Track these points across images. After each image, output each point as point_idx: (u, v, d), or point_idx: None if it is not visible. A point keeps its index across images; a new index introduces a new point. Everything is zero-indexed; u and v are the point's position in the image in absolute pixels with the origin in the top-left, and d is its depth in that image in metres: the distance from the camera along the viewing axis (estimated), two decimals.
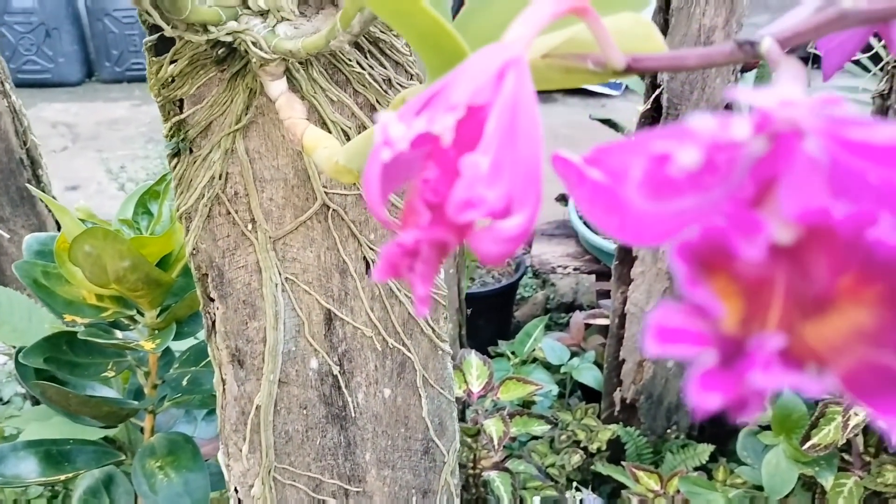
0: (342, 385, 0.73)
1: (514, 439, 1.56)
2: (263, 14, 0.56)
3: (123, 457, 0.96)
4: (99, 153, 3.87)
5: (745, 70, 1.75)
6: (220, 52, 0.60)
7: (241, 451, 0.74)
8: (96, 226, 0.78)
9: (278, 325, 0.70)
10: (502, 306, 2.12)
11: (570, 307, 2.29)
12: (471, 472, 1.45)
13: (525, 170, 0.22)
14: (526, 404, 1.66)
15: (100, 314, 0.88)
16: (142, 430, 0.97)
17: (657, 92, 1.43)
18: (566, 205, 2.11)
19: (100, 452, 0.94)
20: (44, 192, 1.28)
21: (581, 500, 1.40)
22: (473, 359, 1.51)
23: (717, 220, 0.16)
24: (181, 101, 0.63)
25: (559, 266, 1.97)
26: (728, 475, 1.41)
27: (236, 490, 0.76)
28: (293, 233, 0.68)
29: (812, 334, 0.17)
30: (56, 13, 4.82)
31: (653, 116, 1.49)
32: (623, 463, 1.51)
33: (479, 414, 1.42)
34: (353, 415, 0.75)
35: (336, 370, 0.72)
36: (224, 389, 0.72)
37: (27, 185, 1.32)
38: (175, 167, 0.65)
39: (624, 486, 1.50)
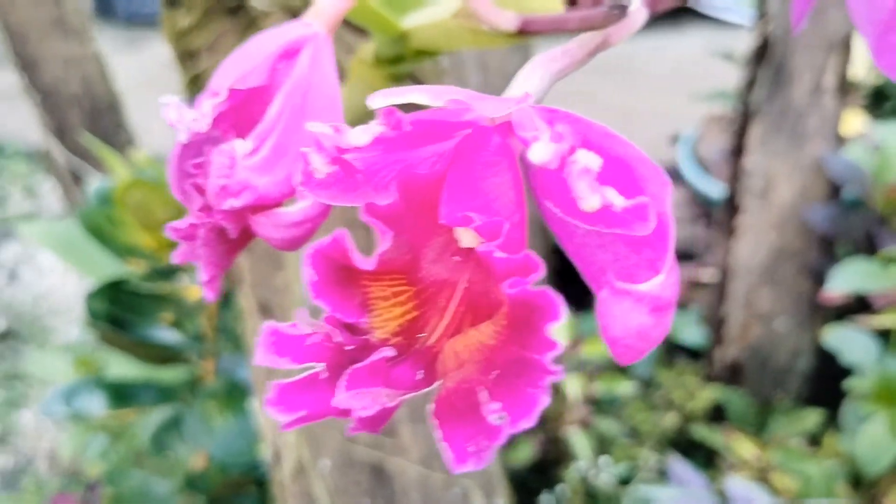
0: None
1: (595, 402, 1.56)
2: None
3: (186, 398, 1.04)
4: None
5: None
6: (230, 3, 0.62)
7: None
8: (142, 176, 0.83)
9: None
10: None
11: (684, 258, 2.23)
12: (550, 427, 1.46)
13: None
14: (617, 363, 1.65)
15: (157, 262, 0.94)
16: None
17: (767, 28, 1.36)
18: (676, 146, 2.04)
19: (164, 392, 1.02)
20: (127, 137, 1.37)
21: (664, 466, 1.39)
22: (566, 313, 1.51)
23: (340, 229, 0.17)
24: (198, 53, 0.66)
25: None
26: (838, 444, 1.36)
27: (272, 439, 0.81)
28: None
29: (450, 349, 0.17)
30: None
31: (761, 50, 1.41)
32: (723, 428, 1.48)
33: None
34: None
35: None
36: (254, 339, 0.76)
37: (115, 127, 1.41)
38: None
39: (720, 453, 1.47)
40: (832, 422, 1.51)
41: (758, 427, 1.54)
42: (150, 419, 1.07)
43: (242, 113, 0.22)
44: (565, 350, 1.49)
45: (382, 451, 0.82)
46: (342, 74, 0.65)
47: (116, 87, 1.37)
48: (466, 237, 0.18)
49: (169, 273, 0.98)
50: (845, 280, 1.20)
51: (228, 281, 0.95)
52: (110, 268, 1.05)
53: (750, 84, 1.47)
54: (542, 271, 0.18)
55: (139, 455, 1.23)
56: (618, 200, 0.17)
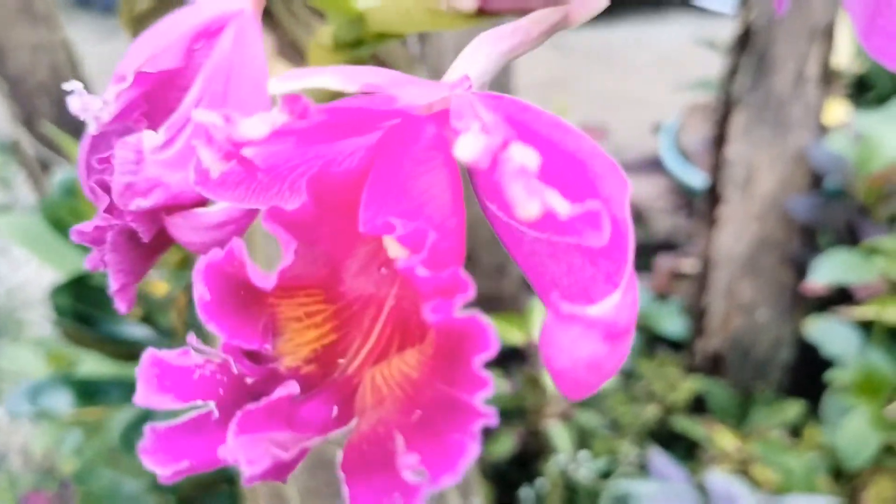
0: None
1: None
2: None
3: None
4: None
5: None
6: None
7: None
8: None
9: (270, 266, 0.71)
10: None
11: (665, 248, 2.22)
12: (531, 421, 1.45)
13: None
14: None
15: None
16: None
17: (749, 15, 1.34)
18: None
19: (134, 389, 1.00)
20: None
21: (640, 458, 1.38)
22: (539, 303, 1.50)
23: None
24: None
25: (648, 204, 1.92)
26: (819, 436, 1.35)
27: None
28: None
29: (371, 381, 0.15)
30: None
31: (744, 39, 1.40)
32: (704, 419, 1.47)
33: (541, 362, 1.42)
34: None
35: None
36: None
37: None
38: None
39: (701, 444, 1.46)
40: (814, 413, 1.51)
41: (739, 418, 1.54)
42: (121, 417, 1.05)
43: (156, 100, 0.20)
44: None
45: None
46: (301, 59, 0.63)
47: (86, 76, 1.33)
48: (394, 247, 0.16)
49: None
50: (827, 271, 1.19)
51: (185, 274, 0.93)
52: (77, 262, 1.02)
53: (732, 73, 1.46)
54: (471, 292, 0.15)
55: (112, 453, 1.21)
56: (562, 207, 0.15)
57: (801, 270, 1.45)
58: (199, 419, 0.15)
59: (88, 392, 0.97)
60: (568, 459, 1.38)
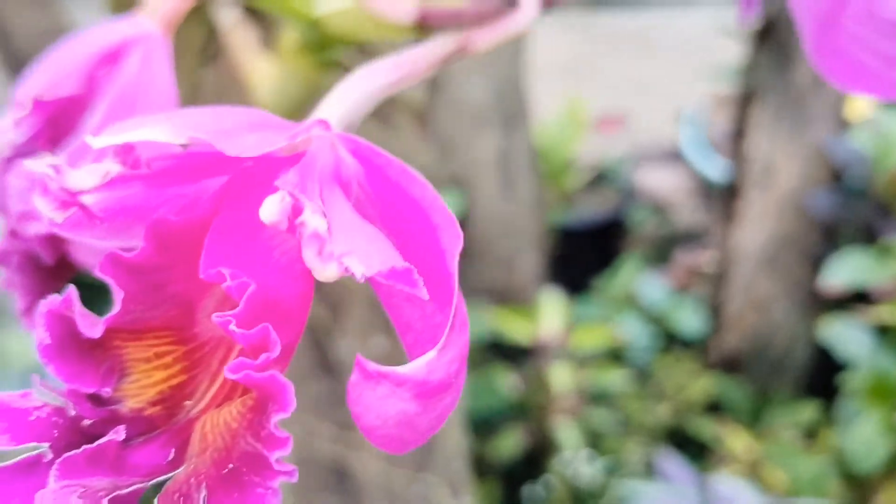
0: (333, 332, 0.75)
1: (586, 391, 1.54)
2: None
3: None
4: None
5: None
6: None
7: None
8: None
9: None
10: (605, 241, 2.07)
11: (685, 241, 2.20)
12: (538, 419, 1.45)
13: None
14: (614, 353, 1.63)
15: None
16: None
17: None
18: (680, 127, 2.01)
19: None
20: None
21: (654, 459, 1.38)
22: (551, 298, 1.50)
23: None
24: None
25: (668, 197, 1.90)
26: (833, 438, 1.34)
27: None
28: None
29: (202, 427, 0.16)
30: None
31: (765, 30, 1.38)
32: (719, 419, 1.47)
33: (547, 358, 1.42)
34: (342, 362, 0.76)
35: (326, 317, 0.74)
36: None
37: None
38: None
39: (714, 445, 1.46)
40: (829, 414, 1.50)
41: (754, 418, 1.53)
42: None
43: (61, 125, 0.21)
44: (556, 337, 1.47)
45: (344, 446, 0.81)
46: (258, 61, 0.63)
47: None
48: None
49: None
50: (842, 271, 1.18)
51: None
52: None
53: (752, 64, 1.44)
54: (276, 352, 0.16)
55: None
56: (358, 269, 0.15)
57: (820, 268, 1.44)
58: (31, 461, 0.16)
59: None
60: (575, 457, 1.38)
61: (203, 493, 0.16)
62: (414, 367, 0.16)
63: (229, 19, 0.59)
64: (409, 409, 0.16)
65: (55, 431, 0.16)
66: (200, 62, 0.64)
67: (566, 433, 1.41)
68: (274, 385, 0.15)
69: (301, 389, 0.76)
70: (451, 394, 0.17)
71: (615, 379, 1.43)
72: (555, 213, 1.89)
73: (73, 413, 0.16)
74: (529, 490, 1.43)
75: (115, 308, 0.17)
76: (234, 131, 0.17)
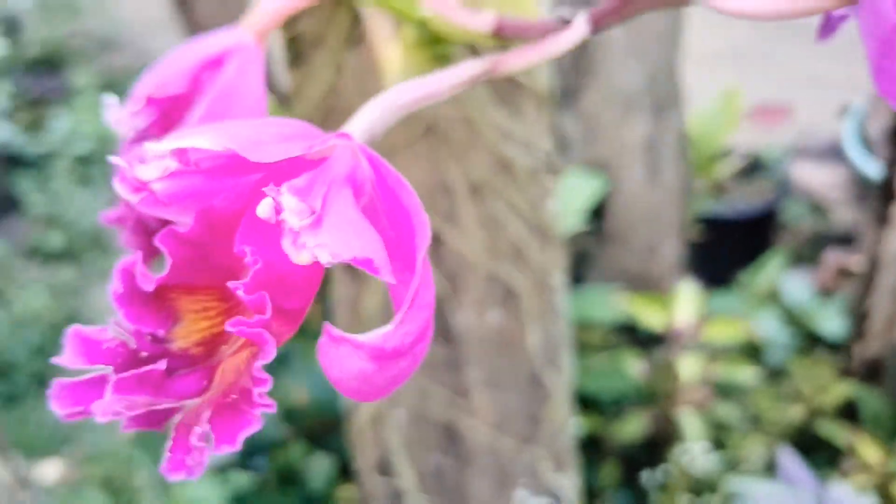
0: (448, 303, 0.79)
1: (716, 385, 1.52)
2: None
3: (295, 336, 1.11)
4: None
5: None
6: None
7: None
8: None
9: None
10: (756, 234, 2.00)
11: (840, 242, 2.10)
12: (663, 407, 1.45)
13: None
14: (749, 348, 1.59)
15: None
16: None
17: None
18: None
19: None
20: None
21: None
22: (687, 289, 1.48)
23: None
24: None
25: (824, 193, 1.82)
26: None
27: None
28: (401, 150, 0.73)
29: (225, 366, 0.19)
30: None
31: None
32: (853, 427, 1.41)
33: (678, 348, 1.41)
34: (459, 333, 0.80)
35: (442, 287, 0.78)
36: (338, 290, 0.81)
37: None
38: (293, 76, 0.73)
39: (845, 454, 1.40)
40: None
41: (891, 431, 1.45)
42: None
43: (171, 117, 0.25)
44: (689, 327, 1.46)
45: (456, 411, 0.85)
46: (377, 58, 0.67)
47: None
48: None
49: None
50: None
51: None
52: None
53: None
54: (267, 314, 0.19)
55: None
56: (325, 258, 0.18)
57: None
58: (98, 378, 0.20)
59: None
60: (696, 449, 1.37)
61: (208, 413, 0.20)
62: (371, 336, 0.19)
63: (370, 9, 0.63)
64: (366, 368, 0.19)
65: (118, 359, 0.20)
66: (345, 46, 0.69)
67: (690, 423, 1.39)
68: (261, 339, 0.19)
69: None
70: (405, 360, 0.20)
71: (747, 375, 1.40)
72: (704, 203, 1.85)
73: (133, 346, 0.20)
74: (648, 476, 1.43)
75: (165, 271, 0.21)
76: (266, 141, 0.20)
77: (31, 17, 3.05)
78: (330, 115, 0.73)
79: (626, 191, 1.62)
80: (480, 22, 0.29)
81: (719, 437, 1.44)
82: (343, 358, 0.19)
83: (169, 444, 0.20)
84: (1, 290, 2.18)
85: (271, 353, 0.20)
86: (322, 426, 1.07)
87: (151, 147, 0.19)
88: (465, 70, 0.24)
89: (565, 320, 0.83)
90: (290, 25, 0.70)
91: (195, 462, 0.20)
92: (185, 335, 0.21)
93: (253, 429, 0.20)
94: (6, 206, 2.65)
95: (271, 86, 1.68)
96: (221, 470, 1.20)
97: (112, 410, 0.19)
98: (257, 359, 0.20)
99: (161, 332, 0.21)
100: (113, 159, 0.20)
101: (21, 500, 0.76)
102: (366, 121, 0.22)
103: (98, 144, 2.68)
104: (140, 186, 0.20)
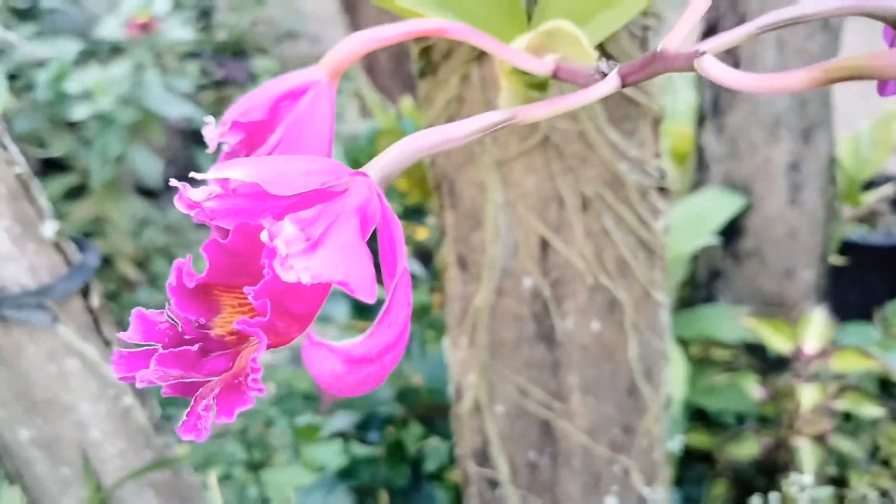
0: (552, 308, 0.81)
1: (840, 417, 1.45)
2: None
3: (415, 322, 1.16)
4: None
5: None
6: None
7: (461, 342, 0.86)
8: (398, 125, 0.94)
9: (497, 240, 0.79)
10: None
11: None
12: (780, 433, 1.40)
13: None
14: (880, 384, 1.51)
15: (401, 199, 1.06)
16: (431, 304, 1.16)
17: None
18: None
19: None
20: None
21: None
22: (816, 316, 1.42)
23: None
24: None
25: None
26: None
27: (455, 375, 0.90)
28: (516, 159, 0.75)
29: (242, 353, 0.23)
30: None
31: None
32: None
33: (801, 375, 1.35)
34: (561, 338, 0.82)
35: (547, 293, 0.80)
36: (451, 287, 0.85)
37: None
38: (422, 85, 0.77)
39: None
40: None
41: None
42: None
43: (255, 139, 0.29)
44: (816, 355, 1.40)
45: (552, 412, 0.87)
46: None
47: None
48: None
49: (418, 213, 1.09)
50: None
51: (439, 232, 1.04)
52: None
53: None
54: (266, 317, 0.22)
55: None
56: (305, 278, 0.21)
57: None
58: (148, 352, 0.24)
59: (361, 308, 1.14)
60: (809, 480, 1.32)
61: (218, 389, 0.23)
62: (343, 343, 0.22)
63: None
64: (338, 369, 0.22)
65: (166, 338, 0.24)
66: (472, 59, 0.72)
67: (807, 453, 1.34)
68: (258, 336, 0.23)
69: (519, 353, 0.84)
70: (373, 366, 0.23)
71: (874, 411, 1.33)
72: (849, 230, 1.76)
73: (180, 329, 0.24)
74: (759, 500, 1.39)
75: (204, 272, 0.25)
76: (290, 176, 0.24)
77: (222, 4, 3.27)
78: (454, 120, 0.76)
79: (766, 211, 1.57)
80: (543, 67, 0.32)
81: (837, 471, 1.38)
82: (320, 359, 0.22)
83: (187, 409, 0.24)
84: (173, 252, 2.37)
85: (262, 349, 0.23)
86: (431, 409, 1.11)
87: (200, 175, 0.23)
88: (484, 119, 0.26)
89: (667, 337, 0.83)
90: (422, 38, 0.74)
91: (203, 427, 0.23)
92: (223, 325, 0.25)
93: (247, 406, 0.24)
94: (188, 177, 2.86)
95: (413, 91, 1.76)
96: (345, 438, 1.27)
97: (149, 379, 0.23)
98: (255, 351, 0.23)
99: (203, 320, 0.25)
100: (172, 181, 0.25)
101: (157, 444, 0.85)
102: (383, 162, 0.25)
103: None
104: (192, 205, 0.24)
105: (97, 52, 2.17)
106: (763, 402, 1.43)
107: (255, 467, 1.96)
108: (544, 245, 0.78)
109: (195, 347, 0.24)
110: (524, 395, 0.87)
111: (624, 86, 0.27)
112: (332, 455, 1.50)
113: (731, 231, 1.58)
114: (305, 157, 0.25)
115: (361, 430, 1.14)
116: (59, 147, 2.05)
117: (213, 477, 0.82)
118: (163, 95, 1.90)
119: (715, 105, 1.53)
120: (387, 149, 0.26)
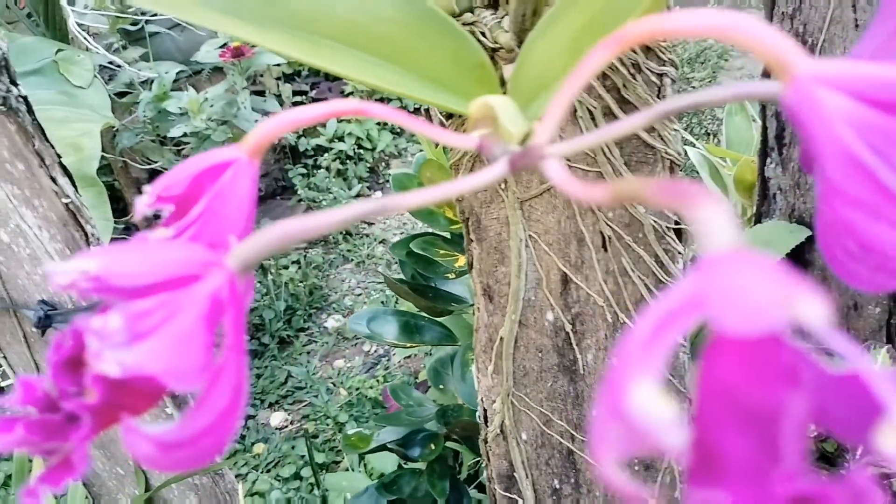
0: (574, 342, 0.80)
1: None
2: (494, 6, 0.64)
3: (457, 344, 1.16)
4: None
5: None
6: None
7: (487, 369, 0.87)
8: (433, 159, 0.95)
9: (521, 274, 0.79)
10: None
11: None
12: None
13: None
14: None
15: (449, 226, 1.07)
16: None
17: None
18: None
19: (442, 335, 1.16)
20: None
21: None
22: (881, 354, 1.35)
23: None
24: None
25: None
26: None
27: (483, 400, 0.90)
28: (538, 197, 0.75)
29: None
30: None
31: None
32: None
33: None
34: (583, 371, 0.81)
35: (569, 327, 0.79)
36: (478, 316, 0.85)
37: None
38: (448, 125, 0.78)
39: None
40: None
41: None
42: (436, 352, 1.23)
43: (182, 210, 0.30)
44: None
45: (572, 444, 0.86)
46: None
47: None
48: None
49: (459, 239, 1.10)
50: None
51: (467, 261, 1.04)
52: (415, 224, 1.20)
53: None
54: (91, 400, 0.23)
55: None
56: (115, 370, 0.21)
57: None
58: (17, 419, 0.25)
59: (409, 328, 1.16)
60: None
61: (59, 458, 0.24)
62: (153, 429, 0.22)
63: (508, 73, 0.66)
64: (150, 452, 0.23)
65: (41, 404, 0.26)
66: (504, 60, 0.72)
67: None
68: (82, 418, 0.24)
69: (542, 384, 0.83)
70: (188, 450, 0.23)
71: None
72: None
73: (55, 395, 0.26)
74: None
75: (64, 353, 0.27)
76: (139, 266, 0.24)
77: None
78: (475, 167, 0.77)
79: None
80: (467, 142, 0.32)
81: None
82: (135, 441, 0.23)
83: (39, 471, 0.25)
84: (264, 264, 2.45)
85: (86, 430, 0.24)
86: (466, 429, 1.12)
87: (54, 267, 0.25)
88: (353, 209, 0.26)
89: (687, 377, 0.81)
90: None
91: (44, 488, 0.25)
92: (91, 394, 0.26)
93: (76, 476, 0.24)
94: (281, 191, 2.96)
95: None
96: (391, 450, 1.28)
97: (8, 444, 0.25)
98: (82, 432, 0.24)
99: (74, 390, 0.26)
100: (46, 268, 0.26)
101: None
102: (245, 249, 0.26)
103: (357, 144, 2.91)
104: (67, 287, 0.25)
105: (197, 74, 2.27)
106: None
107: (322, 469, 2.01)
108: (566, 281, 0.78)
109: (60, 415, 0.25)
110: (549, 424, 0.86)
111: (512, 171, 0.27)
112: (391, 464, 1.53)
113: (796, 264, 1.52)
114: (164, 245, 0.26)
115: (402, 447, 1.15)
116: (161, 161, 2.15)
117: (239, 488, 0.84)
118: (251, 115, 1.98)
119: (779, 138, 1.48)
120: (255, 235, 0.27)
